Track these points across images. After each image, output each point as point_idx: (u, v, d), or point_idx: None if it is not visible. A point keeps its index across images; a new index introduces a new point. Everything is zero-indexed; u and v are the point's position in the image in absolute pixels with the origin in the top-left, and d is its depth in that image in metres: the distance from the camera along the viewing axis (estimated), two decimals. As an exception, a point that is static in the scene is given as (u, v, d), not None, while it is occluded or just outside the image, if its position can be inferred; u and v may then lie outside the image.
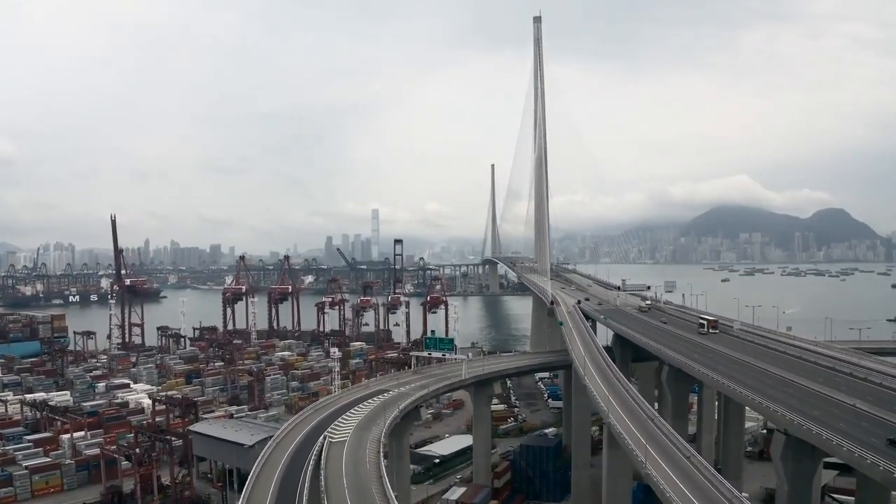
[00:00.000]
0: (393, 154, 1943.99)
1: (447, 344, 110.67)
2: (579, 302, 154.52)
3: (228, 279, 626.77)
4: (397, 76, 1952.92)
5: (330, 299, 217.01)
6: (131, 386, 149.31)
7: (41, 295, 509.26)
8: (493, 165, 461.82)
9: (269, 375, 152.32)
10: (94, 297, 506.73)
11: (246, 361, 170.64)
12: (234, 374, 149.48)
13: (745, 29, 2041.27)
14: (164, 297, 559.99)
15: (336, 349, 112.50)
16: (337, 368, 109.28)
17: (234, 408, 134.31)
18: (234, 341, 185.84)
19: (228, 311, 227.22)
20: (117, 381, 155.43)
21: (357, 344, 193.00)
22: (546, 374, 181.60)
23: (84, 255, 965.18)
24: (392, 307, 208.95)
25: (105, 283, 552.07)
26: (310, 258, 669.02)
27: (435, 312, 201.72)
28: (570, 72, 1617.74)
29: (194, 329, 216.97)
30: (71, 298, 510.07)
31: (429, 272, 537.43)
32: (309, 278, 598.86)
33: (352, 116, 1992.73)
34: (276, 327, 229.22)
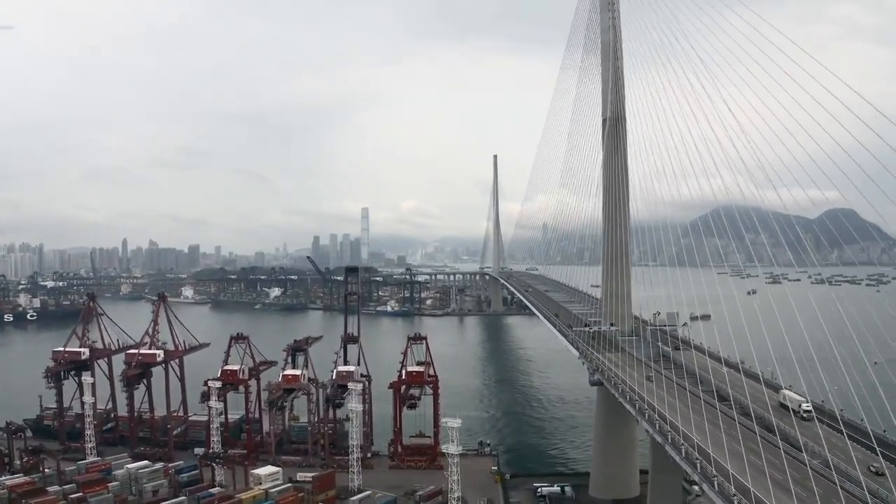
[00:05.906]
0: (370, 152, 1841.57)
1: None
2: None
3: (186, 290, 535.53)
4: (364, 70, 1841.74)
5: (219, 383, 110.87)
6: None
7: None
8: (495, 156, 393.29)
9: None
10: (8, 318, 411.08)
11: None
12: None
13: (727, 12, 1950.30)
14: (101, 314, 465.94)
15: None
16: None
17: None
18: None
19: (69, 388, 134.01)
20: None
21: (264, 473, 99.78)
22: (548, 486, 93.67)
23: (55, 257, 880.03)
24: (337, 393, 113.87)
25: (24, 298, 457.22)
26: (277, 266, 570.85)
27: (414, 406, 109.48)
28: (544, 66, 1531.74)
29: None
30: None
31: (417, 284, 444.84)
32: (275, 291, 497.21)
33: (323, 113, 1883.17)
34: (146, 416, 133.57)
